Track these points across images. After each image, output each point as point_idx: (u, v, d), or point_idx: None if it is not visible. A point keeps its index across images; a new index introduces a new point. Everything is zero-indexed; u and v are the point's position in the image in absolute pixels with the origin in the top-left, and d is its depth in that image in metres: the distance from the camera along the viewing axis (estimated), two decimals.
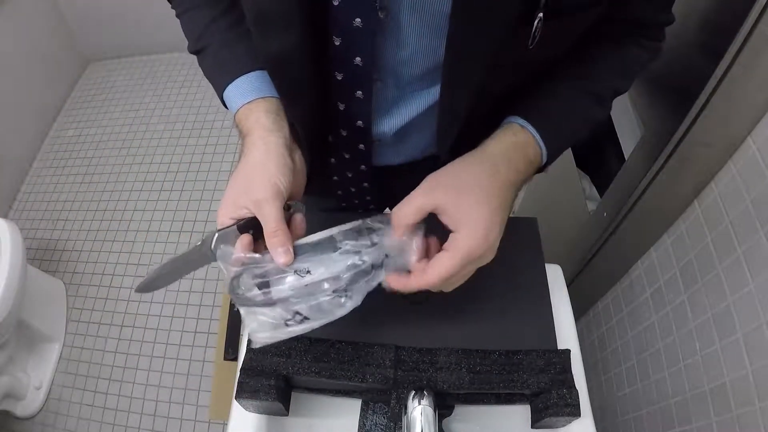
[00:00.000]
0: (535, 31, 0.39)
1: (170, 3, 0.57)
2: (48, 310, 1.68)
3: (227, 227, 0.44)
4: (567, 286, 0.66)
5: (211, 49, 0.53)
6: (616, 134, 0.92)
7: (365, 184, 0.63)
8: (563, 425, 0.55)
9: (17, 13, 2.04)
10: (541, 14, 0.38)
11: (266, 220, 0.43)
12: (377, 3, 0.40)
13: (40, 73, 2.23)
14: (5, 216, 1.99)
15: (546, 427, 0.56)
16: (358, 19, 0.41)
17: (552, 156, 0.49)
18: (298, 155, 0.50)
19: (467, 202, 0.42)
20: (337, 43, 0.43)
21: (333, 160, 0.61)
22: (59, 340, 1.67)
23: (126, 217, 1.96)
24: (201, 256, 0.45)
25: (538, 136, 0.47)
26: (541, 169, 0.51)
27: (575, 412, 0.51)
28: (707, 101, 0.66)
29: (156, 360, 1.60)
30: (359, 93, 0.48)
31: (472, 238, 0.42)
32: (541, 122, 0.48)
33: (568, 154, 1.13)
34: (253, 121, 0.48)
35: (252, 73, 0.50)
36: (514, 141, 0.47)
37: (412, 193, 0.44)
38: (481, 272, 0.61)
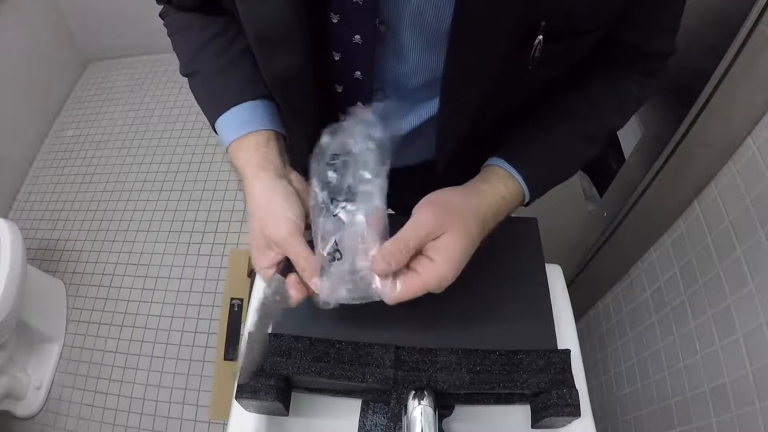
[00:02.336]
0: (535, 52, 0.39)
1: (162, 20, 0.57)
2: (48, 310, 1.68)
3: (271, 278, 0.45)
4: (567, 286, 0.66)
5: (202, 76, 0.53)
6: (616, 134, 0.92)
7: None
8: (563, 425, 0.55)
9: (17, 13, 2.04)
10: (540, 37, 0.38)
11: (293, 257, 0.44)
12: (377, 19, 0.40)
13: (40, 73, 2.23)
14: (5, 216, 1.99)
15: (546, 427, 0.56)
16: (357, 36, 0.41)
17: (534, 199, 0.51)
18: (294, 176, 0.50)
19: (451, 236, 0.43)
20: (336, 58, 0.44)
21: None
22: (59, 340, 1.67)
23: (126, 217, 1.96)
24: (266, 313, 0.46)
25: (525, 188, 0.49)
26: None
27: (575, 412, 0.51)
28: (707, 101, 0.66)
29: (156, 360, 1.60)
30: (359, 104, 0.48)
31: (446, 270, 0.42)
32: (530, 174, 0.49)
33: None
34: (244, 161, 0.48)
35: (242, 105, 0.50)
36: (504, 195, 0.48)
37: (409, 222, 0.44)
38: (481, 272, 0.61)
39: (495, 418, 0.59)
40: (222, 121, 0.51)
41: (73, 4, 2.28)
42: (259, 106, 0.51)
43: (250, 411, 0.56)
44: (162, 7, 0.57)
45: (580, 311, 1.20)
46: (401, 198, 0.48)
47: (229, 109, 0.50)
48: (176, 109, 2.28)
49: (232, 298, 1.68)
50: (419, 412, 0.50)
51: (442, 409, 0.56)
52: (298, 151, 0.58)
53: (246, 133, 0.49)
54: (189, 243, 1.85)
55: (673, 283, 0.83)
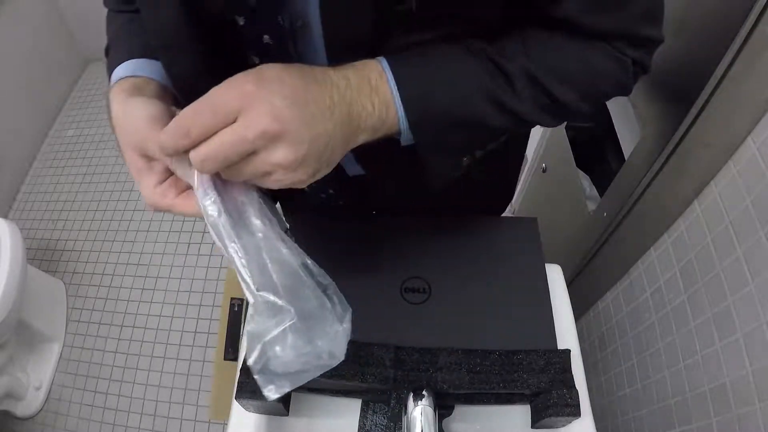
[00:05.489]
0: (411, 6, 0.36)
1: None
2: (48, 310, 1.68)
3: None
4: (567, 286, 0.66)
5: (114, 43, 0.50)
6: (616, 134, 0.92)
7: (331, 191, 0.62)
8: (563, 425, 0.55)
9: (17, 13, 2.04)
10: None
11: (153, 150, 0.37)
12: (279, 16, 0.38)
13: (40, 73, 2.23)
14: (5, 216, 1.99)
15: (546, 427, 0.56)
16: (266, 36, 0.40)
17: (412, 98, 0.38)
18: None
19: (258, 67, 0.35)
20: (256, 61, 0.43)
21: None
22: (59, 340, 1.67)
23: (126, 217, 1.96)
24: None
25: (385, 65, 0.38)
26: (418, 149, 0.41)
27: (575, 412, 0.51)
28: (707, 101, 0.66)
29: (156, 360, 1.60)
30: None
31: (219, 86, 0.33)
32: (395, 57, 0.39)
33: (568, 154, 1.13)
34: (113, 93, 0.43)
35: (151, 60, 0.46)
36: (352, 63, 0.39)
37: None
38: (481, 272, 0.61)
39: (495, 418, 0.59)
40: (121, 67, 0.45)
41: (73, 4, 2.28)
42: (154, 63, 0.47)
43: (250, 411, 0.56)
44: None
45: (580, 311, 1.20)
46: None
47: (126, 60, 0.45)
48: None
49: (232, 298, 1.68)
50: (419, 412, 0.50)
51: (442, 409, 0.56)
52: None
53: (129, 75, 0.44)
54: (189, 243, 1.85)
55: (673, 283, 0.83)
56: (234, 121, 0.32)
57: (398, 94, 0.38)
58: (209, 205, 0.36)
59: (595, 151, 1.09)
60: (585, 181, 1.09)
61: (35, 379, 1.56)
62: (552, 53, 0.41)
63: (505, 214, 0.77)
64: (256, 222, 0.38)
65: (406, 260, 0.62)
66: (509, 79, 0.40)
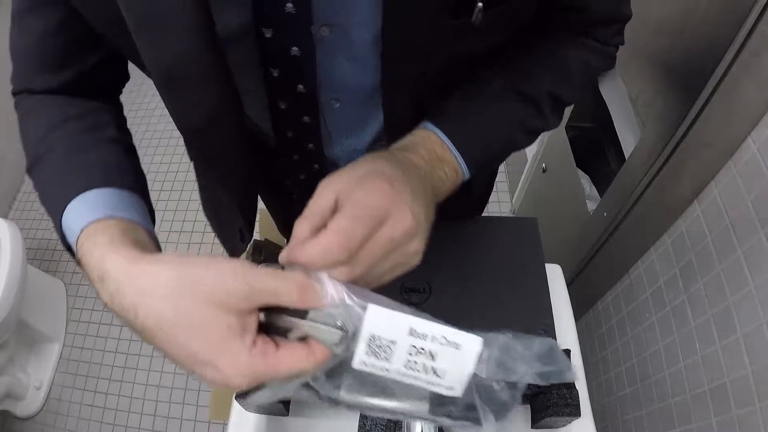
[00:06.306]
0: (475, 20, 0.37)
1: (15, 108, 0.48)
2: (48, 310, 1.68)
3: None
4: (567, 286, 0.66)
5: (55, 156, 0.43)
6: (616, 134, 0.92)
7: None
8: (563, 425, 0.55)
9: None
10: (480, 4, 0.36)
11: (279, 292, 0.30)
12: (312, 27, 0.37)
13: None
14: (5, 216, 1.99)
15: (546, 427, 0.56)
16: (294, 48, 0.39)
17: (472, 157, 0.43)
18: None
19: (350, 169, 0.35)
20: (275, 74, 0.41)
21: (288, 182, 0.61)
22: (59, 340, 1.67)
23: None
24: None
25: (444, 137, 0.43)
26: (471, 181, 0.45)
27: (575, 412, 0.51)
28: (707, 101, 0.66)
29: (156, 360, 1.60)
30: (306, 118, 0.47)
31: (344, 181, 0.34)
32: (449, 125, 0.43)
33: (567, 154, 1.13)
34: (102, 243, 0.36)
35: (107, 189, 0.40)
36: (412, 138, 0.42)
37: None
38: (481, 272, 0.61)
39: None
40: (74, 205, 0.39)
41: None
42: (125, 195, 0.41)
43: (250, 411, 0.56)
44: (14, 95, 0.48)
45: (580, 311, 1.20)
46: None
47: (88, 190, 0.39)
48: None
49: None
50: None
51: None
52: (223, 208, 0.56)
53: (109, 216, 0.38)
54: (189, 243, 1.85)
55: (673, 283, 0.83)
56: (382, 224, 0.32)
57: (461, 158, 0.43)
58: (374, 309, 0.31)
59: (595, 151, 1.09)
60: (585, 181, 1.10)
61: (35, 379, 1.56)
62: (564, 66, 0.48)
63: (506, 214, 0.77)
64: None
65: None
66: (537, 105, 0.47)
